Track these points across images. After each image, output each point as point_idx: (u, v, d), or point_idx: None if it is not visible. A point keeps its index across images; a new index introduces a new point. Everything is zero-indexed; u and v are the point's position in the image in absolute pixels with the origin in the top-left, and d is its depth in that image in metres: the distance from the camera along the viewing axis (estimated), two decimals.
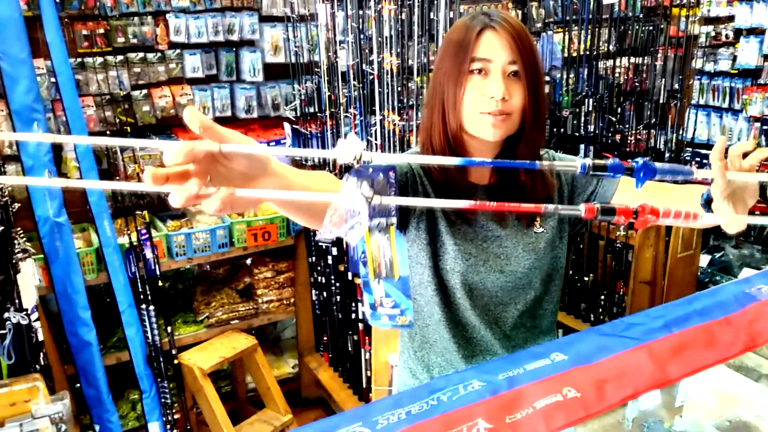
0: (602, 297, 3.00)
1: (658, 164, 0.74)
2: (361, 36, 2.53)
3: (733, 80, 3.47)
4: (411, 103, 2.44)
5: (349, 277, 2.77)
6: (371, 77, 2.49)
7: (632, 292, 2.84)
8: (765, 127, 3.32)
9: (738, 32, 3.42)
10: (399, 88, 2.41)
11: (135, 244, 2.59)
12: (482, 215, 1.24)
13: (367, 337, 2.69)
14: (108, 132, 2.71)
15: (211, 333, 2.90)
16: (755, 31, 3.32)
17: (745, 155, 0.85)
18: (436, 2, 2.27)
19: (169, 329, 2.74)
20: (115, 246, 2.54)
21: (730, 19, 3.44)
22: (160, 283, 2.68)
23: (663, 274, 2.74)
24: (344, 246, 2.77)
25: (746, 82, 3.40)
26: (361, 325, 2.77)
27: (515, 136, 1.19)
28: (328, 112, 2.82)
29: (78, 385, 2.57)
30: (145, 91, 2.81)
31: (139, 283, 2.63)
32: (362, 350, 2.77)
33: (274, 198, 0.68)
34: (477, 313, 1.26)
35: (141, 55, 2.77)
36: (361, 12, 2.50)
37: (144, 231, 2.60)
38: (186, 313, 3.00)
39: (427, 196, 1.23)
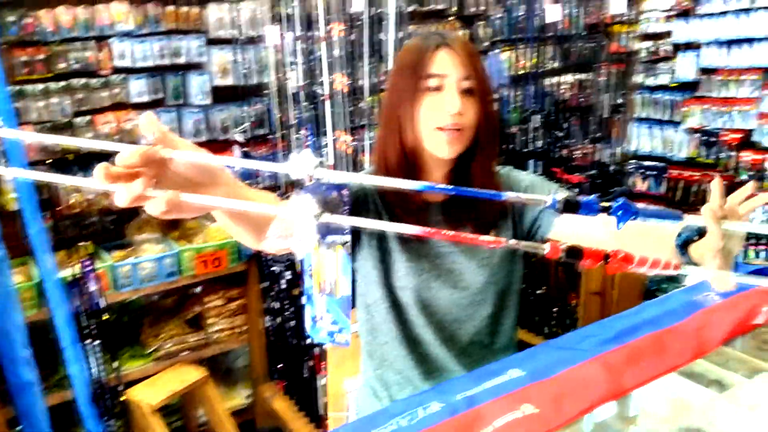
0: (555, 309, 3.04)
1: (640, 205, 0.67)
2: (311, 57, 2.52)
3: (672, 93, 3.60)
4: (363, 123, 2.44)
5: (303, 302, 2.72)
6: (322, 98, 2.48)
7: (584, 303, 2.88)
8: (704, 138, 3.45)
9: (675, 47, 3.56)
10: (350, 109, 2.40)
11: (78, 276, 2.49)
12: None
13: (322, 363, 2.64)
14: (48, 161, 2.61)
15: (159, 366, 2.80)
16: (692, 46, 3.47)
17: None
18: (384, 23, 2.28)
19: (115, 364, 2.63)
20: (57, 279, 2.43)
21: (668, 34, 3.58)
22: (105, 317, 2.58)
23: (612, 284, 2.79)
24: (298, 270, 2.72)
25: (685, 95, 3.53)
26: (316, 350, 2.71)
27: (469, 152, 1.20)
28: (279, 134, 2.79)
29: (19, 428, 2.43)
30: (88, 118, 2.73)
31: (82, 318, 2.52)
32: (317, 376, 2.72)
33: (220, 206, 0.67)
34: (432, 330, 1.25)
35: (83, 80, 2.70)
36: (310, 34, 2.50)
37: (87, 262, 2.50)
38: (133, 346, 2.88)
39: (378, 214, 1.23)
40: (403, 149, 1.19)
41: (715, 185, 0.77)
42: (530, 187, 1.28)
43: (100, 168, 0.61)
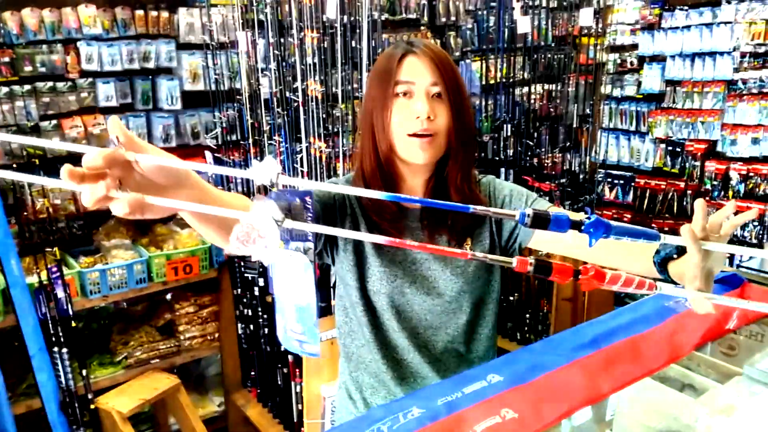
0: (527, 315, 3.08)
1: (614, 223, 0.65)
2: (284, 63, 2.52)
3: (638, 104, 3.70)
4: (336, 129, 2.44)
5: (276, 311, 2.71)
6: (295, 104, 2.47)
7: (555, 309, 2.93)
8: (670, 148, 3.55)
9: (641, 59, 3.66)
10: (324, 115, 2.40)
11: (45, 283, 2.43)
12: (410, 237, 1.24)
13: (297, 369, 2.63)
14: (14, 165, 2.55)
15: (130, 374, 2.75)
16: (657, 59, 3.57)
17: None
18: (358, 31, 2.29)
19: (84, 372, 2.57)
20: (24, 286, 2.37)
21: (634, 47, 3.68)
22: (74, 324, 2.52)
23: (583, 290, 2.84)
24: (270, 276, 2.71)
25: (651, 106, 3.63)
26: (291, 357, 2.70)
27: (445, 158, 1.21)
28: (251, 140, 2.77)
29: None
30: (54, 122, 2.68)
31: (50, 325, 2.47)
32: (292, 383, 2.70)
33: (185, 208, 0.68)
34: (405, 336, 1.26)
35: (50, 84, 2.65)
36: (282, 40, 2.49)
37: (55, 269, 2.45)
38: (102, 354, 2.83)
39: (355, 219, 1.23)
40: (378, 156, 1.20)
41: (699, 206, 0.76)
42: (511, 197, 1.28)
43: (65, 169, 0.63)
